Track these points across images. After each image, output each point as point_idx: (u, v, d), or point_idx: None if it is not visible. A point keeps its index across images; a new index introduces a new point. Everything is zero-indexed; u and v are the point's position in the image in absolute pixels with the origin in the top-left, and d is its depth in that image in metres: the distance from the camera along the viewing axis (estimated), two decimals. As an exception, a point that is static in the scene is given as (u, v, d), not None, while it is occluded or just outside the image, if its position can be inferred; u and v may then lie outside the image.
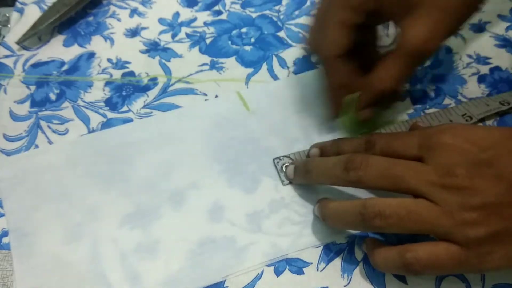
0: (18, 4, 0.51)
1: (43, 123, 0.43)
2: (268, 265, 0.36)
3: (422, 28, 0.34)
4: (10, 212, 0.38)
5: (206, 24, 0.50)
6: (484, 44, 0.47)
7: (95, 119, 0.43)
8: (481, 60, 0.46)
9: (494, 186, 0.29)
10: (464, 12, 0.36)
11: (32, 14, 0.50)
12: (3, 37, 0.50)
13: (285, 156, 0.40)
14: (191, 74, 0.46)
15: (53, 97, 0.45)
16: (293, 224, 0.37)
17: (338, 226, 0.36)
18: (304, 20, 0.49)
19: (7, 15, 0.51)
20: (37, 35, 0.48)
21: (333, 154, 0.37)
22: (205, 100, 0.44)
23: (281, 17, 0.50)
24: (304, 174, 0.37)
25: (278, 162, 0.40)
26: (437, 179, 0.30)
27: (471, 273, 0.35)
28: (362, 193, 0.37)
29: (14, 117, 0.44)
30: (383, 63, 0.36)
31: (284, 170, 0.40)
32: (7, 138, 0.42)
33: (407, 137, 0.34)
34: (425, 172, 0.31)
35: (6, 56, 0.48)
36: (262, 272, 0.36)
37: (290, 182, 0.39)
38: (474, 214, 0.29)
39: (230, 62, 0.47)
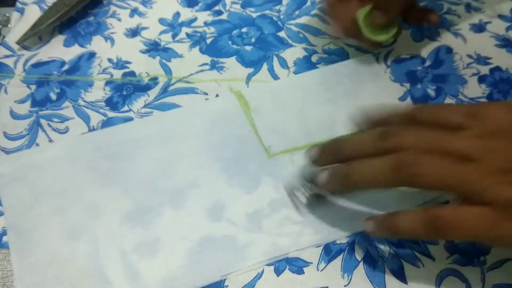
0: (18, 4, 0.51)
1: (43, 122, 0.43)
2: (268, 265, 0.36)
3: None
4: (8, 207, 0.38)
5: (206, 24, 0.50)
6: (484, 44, 0.47)
7: (96, 119, 0.43)
8: (482, 60, 0.46)
9: None
10: None
11: (33, 14, 0.50)
12: (4, 37, 0.50)
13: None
14: (191, 74, 0.46)
15: (53, 96, 0.45)
16: (293, 224, 0.37)
17: (366, 179, 0.32)
18: (304, 20, 0.50)
19: (8, 15, 0.51)
20: (38, 35, 0.48)
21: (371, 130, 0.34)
22: (206, 99, 0.44)
23: (282, 17, 0.50)
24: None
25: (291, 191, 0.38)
26: (480, 135, 0.30)
27: (504, 245, 0.33)
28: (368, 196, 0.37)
29: (15, 116, 0.44)
30: None
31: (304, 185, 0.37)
32: (8, 137, 0.42)
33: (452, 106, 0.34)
34: (466, 135, 0.30)
35: (7, 56, 0.48)
36: (262, 271, 0.36)
37: (310, 207, 0.37)
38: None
39: (231, 62, 0.47)
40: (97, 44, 0.49)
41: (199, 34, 0.49)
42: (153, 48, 0.48)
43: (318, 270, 0.36)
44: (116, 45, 0.48)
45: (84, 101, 0.44)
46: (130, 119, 0.43)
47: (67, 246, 0.37)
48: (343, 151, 0.34)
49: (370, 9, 0.42)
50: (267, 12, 0.51)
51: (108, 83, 0.46)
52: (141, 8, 0.51)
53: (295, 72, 0.46)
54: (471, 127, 0.31)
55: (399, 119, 0.34)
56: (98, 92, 0.45)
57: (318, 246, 0.37)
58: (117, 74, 0.46)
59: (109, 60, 0.47)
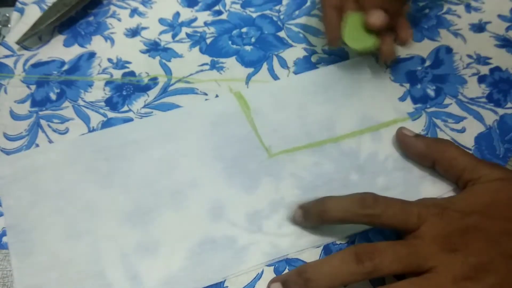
0: (18, 4, 0.51)
1: (43, 122, 0.43)
2: (268, 265, 0.36)
3: None
4: (8, 208, 0.38)
5: (206, 24, 0.50)
6: (484, 44, 0.47)
7: (96, 119, 0.43)
8: (481, 60, 0.46)
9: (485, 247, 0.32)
10: None
11: (33, 14, 0.50)
12: (4, 37, 0.50)
13: None
14: (191, 74, 0.46)
15: (53, 96, 0.45)
16: (293, 224, 0.37)
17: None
18: (304, 20, 0.50)
19: (8, 15, 0.51)
20: (37, 35, 0.48)
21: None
22: (206, 99, 0.44)
23: (282, 17, 0.50)
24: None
25: None
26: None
27: None
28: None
29: (15, 116, 0.44)
30: None
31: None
32: (8, 137, 0.42)
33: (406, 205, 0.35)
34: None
35: (7, 56, 0.48)
36: (262, 272, 0.36)
37: None
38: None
39: (231, 62, 0.47)
40: (97, 44, 0.49)
41: (199, 34, 0.49)
42: (153, 48, 0.48)
43: (318, 270, 0.36)
44: (116, 45, 0.48)
45: (84, 101, 0.44)
46: (130, 119, 0.43)
47: (67, 247, 0.37)
48: (315, 281, 0.32)
49: (360, 16, 0.41)
50: (267, 12, 0.51)
51: (108, 83, 0.46)
52: (141, 8, 0.51)
53: (295, 72, 0.46)
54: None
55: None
56: (98, 92, 0.45)
57: (317, 247, 0.37)
58: (117, 74, 0.46)
59: (109, 60, 0.47)
